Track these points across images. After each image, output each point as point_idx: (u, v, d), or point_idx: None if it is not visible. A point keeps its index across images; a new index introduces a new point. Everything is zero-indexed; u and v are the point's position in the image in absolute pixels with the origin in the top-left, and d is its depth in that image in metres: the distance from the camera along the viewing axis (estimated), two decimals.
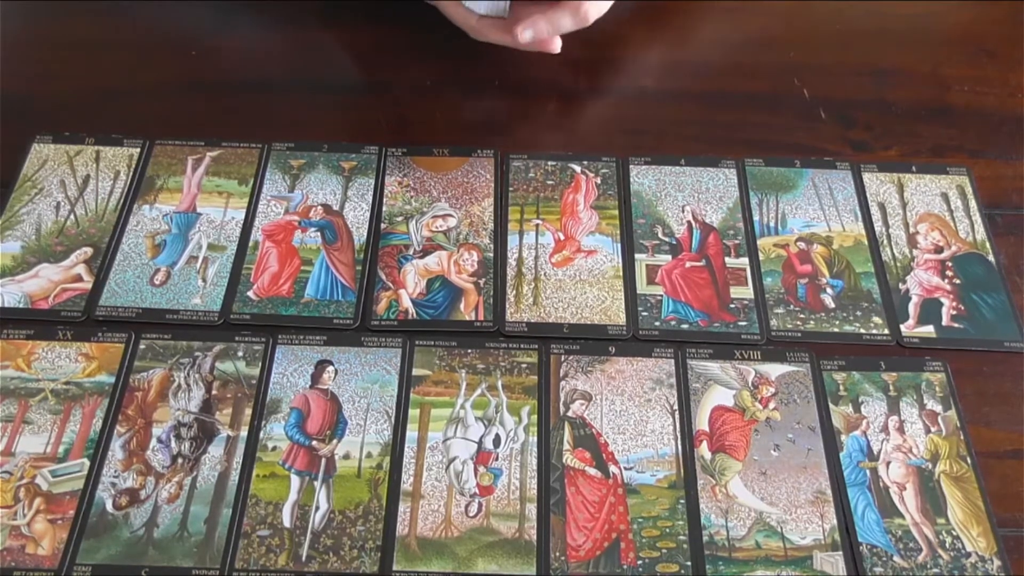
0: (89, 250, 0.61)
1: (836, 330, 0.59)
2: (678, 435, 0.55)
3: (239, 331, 0.58)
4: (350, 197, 0.65)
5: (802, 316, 0.59)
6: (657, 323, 0.59)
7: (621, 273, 0.61)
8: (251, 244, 0.62)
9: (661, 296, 0.60)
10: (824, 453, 0.54)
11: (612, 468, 0.53)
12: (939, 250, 0.63)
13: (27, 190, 0.64)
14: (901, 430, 0.55)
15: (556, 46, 0.68)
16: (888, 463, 0.54)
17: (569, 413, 0.55)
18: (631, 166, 0.67)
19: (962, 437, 0.55)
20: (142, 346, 0.57)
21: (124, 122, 0.68)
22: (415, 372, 0.57)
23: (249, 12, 0.76)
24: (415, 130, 0.69)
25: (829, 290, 0.61)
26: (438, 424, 0.55)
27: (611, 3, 0.67)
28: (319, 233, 0.63)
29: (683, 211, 0.64)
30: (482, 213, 0.64)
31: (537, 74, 0.72)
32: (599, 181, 0.66)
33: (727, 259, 0.62)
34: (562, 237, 0.63)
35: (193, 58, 0.73)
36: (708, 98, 0.72)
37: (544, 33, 0.67)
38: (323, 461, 0.53)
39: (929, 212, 0.65)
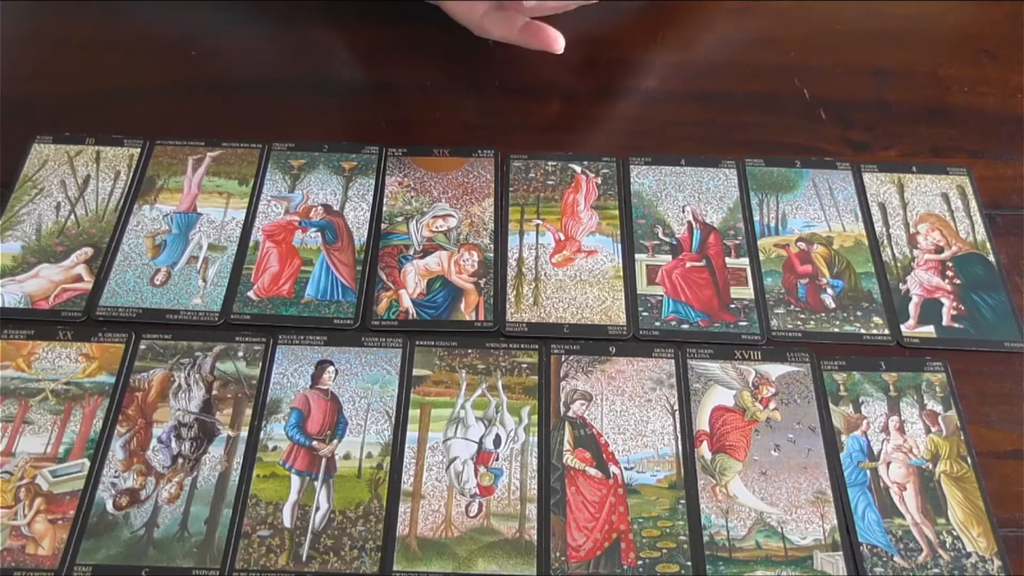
0: (89, 250, 0.61)
1: (836, 330, 0.59)
2: (678, 435, 0.55)
3: (239, 331, 0.58)
4: (350, 197, 0.65)
5: (802, 316, 0.59)
6: (657, 323, 0.59)
7: (621, 273, 0.61)
8: (251, 244, 0.62)
9: (661, 296, 0.60)
10: (824, 453, 0.54)
11: (612, 468, 0.53)
12: (939, 250, 0.63)
13: (27, 190, 0.64)
14: (901, 430, 0.55)
15: (559, 46, 0.68)
16: (888, 463, 0.54)
17: (569, 413, 0.55)
18: (631, 166, 0.67)
19: (962, 437, 0.55)
20: (142, 346, 0.57)
21: (124, 122, 0.68)
22: (415, 372, 0.57)
23: (249, 12, 0.76)
24: (415, 130, 0.69)
25: (829, 290, 0.61)
26: (438, 424, 0.55)
27: None
28: (319, 233, 0.63)
29: (683, 211, 0.64)
30: (482, 213, 0.64)
31: (538, 74, 0.72)
32: (599, 181, 0.66)
33: (727, 259, 0.62)
34: (562, 237, 0.63)
35: (193, 58, 0.73)
36: (708, 98, 0.72)
37: (549, 8, 0.66)
38: (323, 461, 0.53)
39: (929, 212, 0.65)
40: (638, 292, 0.60)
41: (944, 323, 0.59)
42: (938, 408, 0.56)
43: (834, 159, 0.67)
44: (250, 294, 0.59)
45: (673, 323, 0.59)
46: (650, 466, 0.54)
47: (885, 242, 0.63)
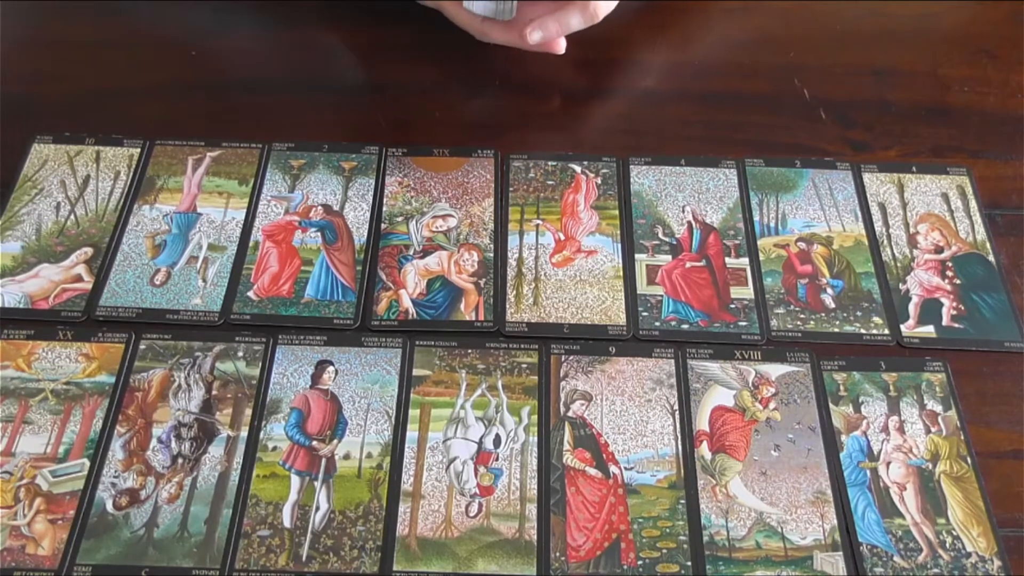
0: (89, 250, 0.61)
1: (836, 330, 0.59)
2: (678, 435, 0.55)
3: (239, 331, 0.58)
4: (350, 197, 0.65)
5: (802, 316, 0.59)
6: (657, 323, 0.59)
7: (621, 273, 0.61)
8: (251, 244, 0.62)
9: (661, 296, 0.60)
10: (824, 453, 0.54)
11: (612, 468, 0.53)
12: (939, 250, 0.63)
13: (27, 190, 0.64)
14: (901, 430, 0.55)
15: (561, 47, 0.68)
16: (888, 463, 0.54)
17: (569, 413, 0.55)
18: (631, 166, 0.67)
19: (962, 437, 0.55)
20: (142, 346, 0.57)
21: (124, 122, 0.68)
22: (415, 372, 0.57)
23: (249, 12, 0.76)
24: (415, 130, 0.69)
25: (829, 290, 0.61)
26: (438, 424, 0.55)
27: (618, 1, 0.67)
28: (319, 233, 0.63)
29: (683, 211, 0.64)
30: (482, 213, 0.64)
31: (537, 74, 0.72)
32: (599, 181, 0.66)
33: (727, 259, 0.62)
34: (562, 237, 0.63)
35: (193, 58, 0.73)
36: (708, 98, 0.72)
37: (553, 33, 0.66)
38: (323, 461, 0.53)
39: (929, 212, 0.65)
40: (638, 292, 0.60)
41: (944, 323, 0.59)
42: (938, 408, 0.56)
43: (834, 159, 0.67)
44: (250, 294, 0.59)
45: (673, 323, 0.59)
46: (650, 466, 0.54)
47: (885, 242, 0.63)
